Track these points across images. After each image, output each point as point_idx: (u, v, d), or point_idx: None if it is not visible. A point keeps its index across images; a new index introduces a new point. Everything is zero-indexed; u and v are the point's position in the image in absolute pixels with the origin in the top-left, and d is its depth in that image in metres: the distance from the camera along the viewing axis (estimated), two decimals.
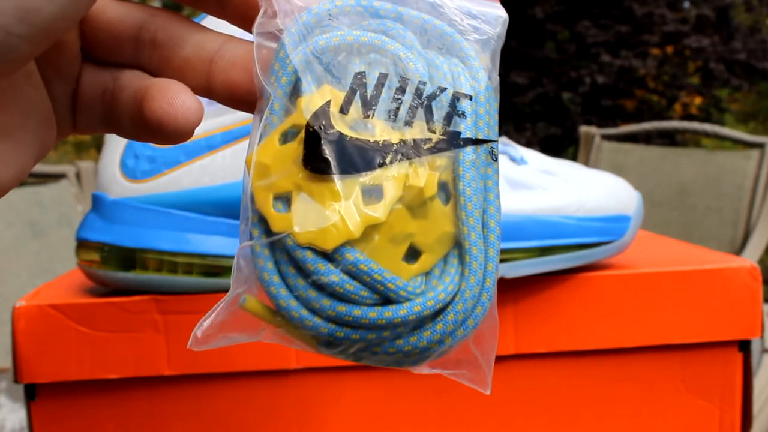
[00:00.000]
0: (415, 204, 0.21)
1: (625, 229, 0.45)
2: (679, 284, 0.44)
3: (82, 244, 0.42)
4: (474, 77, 0.22)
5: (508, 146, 0.48)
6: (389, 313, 0.21)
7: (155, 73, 0.24)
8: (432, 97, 0.22)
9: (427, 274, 0.22)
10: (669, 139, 4.35)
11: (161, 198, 0.41)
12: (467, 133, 0.22)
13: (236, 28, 0.24)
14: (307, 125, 0.21)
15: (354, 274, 0.21)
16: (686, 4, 5.61)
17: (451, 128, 0.22)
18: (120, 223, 0.41)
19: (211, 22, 0.29)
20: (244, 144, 0.41)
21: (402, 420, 0.44)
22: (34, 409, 0.42)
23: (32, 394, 0.42)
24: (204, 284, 0.41)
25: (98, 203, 0.42)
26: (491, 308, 0.23)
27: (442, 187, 0.22)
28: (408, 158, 0.21)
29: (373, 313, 0.21)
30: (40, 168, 1.35)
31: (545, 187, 0.44)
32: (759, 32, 5.67)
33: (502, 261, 0.41)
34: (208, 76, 0.23)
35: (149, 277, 0.41)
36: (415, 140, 0.21)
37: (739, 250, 1.45)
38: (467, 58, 0.23)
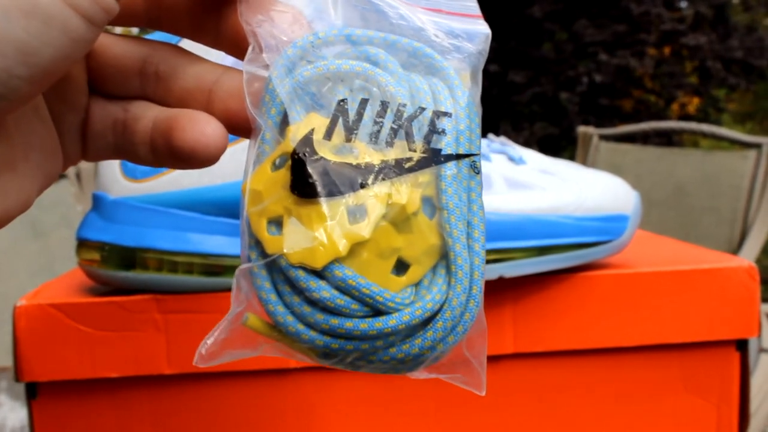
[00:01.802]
0: (399, 220, 0.22)
1: (623, 229, 0.45)
2: (677, 284, 0.44)
3: (83, 244, 0.42)
4: (453, 95, 0.23)
5: (506, 146, 0.48)
6: (379, 324, 0.22)
7: (161, 103, 0.25)
8: (412, 117, 0.23)
9: (417, 285, 0.23)
10: (666, 139, 4.35)
11: (161, 197, 0.41)
12: (448, 150, 0.23)
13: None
14: (293, 152, 0.22)
15: (344, 290, 0.22)
16: (683, 3, 5.62)
17: (432, 146, 0.23)
18: (120, 222, 0.41)
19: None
20: (243, 144, 0.41)
21: (401, 419, 0.44)
22: (35, 407, 0.42)
23: (33, 392, 0.42)
24: (204, 283, 0.41)
25: (98, 203, 0.42)
26: (479, 314, 0.24)
27: (427, 201, 0.23)
28: (389, 177, 0.22)
29: (364, 325, 0.22)
30: None
31: (544, 186, 0.44)
32: (756, 31, 5.68)
33: (501, 261, 0.42)
34: (207, 105, 0.24)
35: (150, 277, 0.41)
36: (396, 160, 0.22)
37: (736, 250, 1.46)
38: (447, 77, 0.24)
